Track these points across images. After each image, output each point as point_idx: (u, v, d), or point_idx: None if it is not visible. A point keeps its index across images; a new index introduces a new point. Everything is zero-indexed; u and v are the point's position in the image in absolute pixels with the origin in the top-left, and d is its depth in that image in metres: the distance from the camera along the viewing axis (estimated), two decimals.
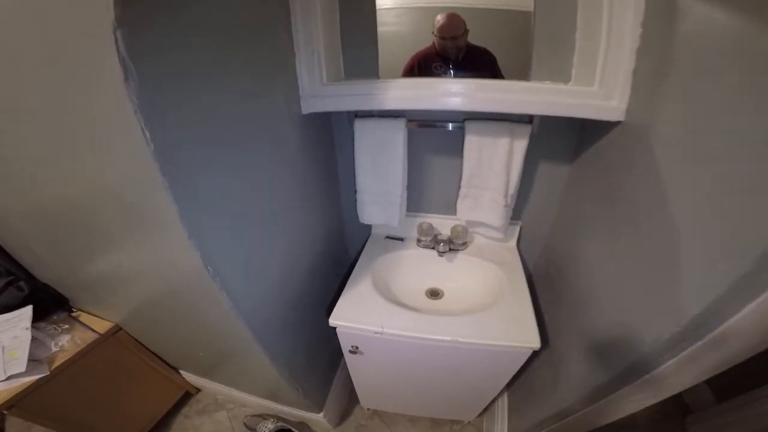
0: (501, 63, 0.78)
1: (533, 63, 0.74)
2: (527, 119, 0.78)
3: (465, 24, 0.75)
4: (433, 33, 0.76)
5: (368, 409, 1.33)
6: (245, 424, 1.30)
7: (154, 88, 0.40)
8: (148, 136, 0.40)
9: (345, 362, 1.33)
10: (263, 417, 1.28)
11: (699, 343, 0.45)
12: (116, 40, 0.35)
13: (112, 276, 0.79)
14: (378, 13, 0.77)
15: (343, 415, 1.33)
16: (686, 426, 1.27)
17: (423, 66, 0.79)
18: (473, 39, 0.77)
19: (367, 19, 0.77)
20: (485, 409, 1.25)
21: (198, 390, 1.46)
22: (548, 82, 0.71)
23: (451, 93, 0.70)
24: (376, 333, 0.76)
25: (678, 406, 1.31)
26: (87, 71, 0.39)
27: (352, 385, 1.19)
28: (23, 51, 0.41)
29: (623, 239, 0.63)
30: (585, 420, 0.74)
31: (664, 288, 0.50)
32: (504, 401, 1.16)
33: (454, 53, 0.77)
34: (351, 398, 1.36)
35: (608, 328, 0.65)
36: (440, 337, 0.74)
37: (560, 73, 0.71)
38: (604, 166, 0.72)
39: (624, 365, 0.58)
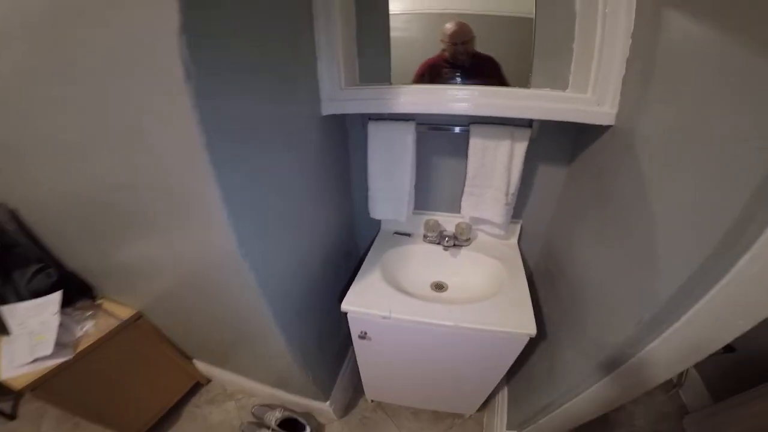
0: (505, 69, 0.83)
1: (533, 70, 0.80)
2: (527, 123, 0.84)
3: (472, 30, 0.80)
4: (441, 41, 0.81)
5: (372, 401, 1.38)
6: (253, 413, 1.35)
7: (208, 87, 0.47)
8: (201, 128, 0.47)
9: (352, 355, 1.39)
10: (270, 407, 1.33)
11: (676, 324, 0.49)
12: (180, 45, 0.42)
13: (144, 261, 0.86)
14: (392, 18, 0.82)
15: (348, 407, 1.38)
16: (684, 426, 1.30)
17: (433, 73, 0.84)
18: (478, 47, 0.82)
19: (381, 29, 0.83)
20: (486, 405, 1.29)
21: (208, 381, 1.52)
22: (547, 88, 0.77)
23: (458, 99, 0.77)
24: (384, 317, 0.82)
25: (676, 407, 1.34)
26: (149, 70, 0.46)
27: (358, 379, 1.24)
28: (85, 52, 0.48)
29: (612, 236, 0.68)
30: (578, 409, 0.77)
31: (646, 277, 0.55)
32: (504, 395, 1.21)
33: (463, 59, 0.82)
34: (356, 391, 1.41)
35: (598, 317, 0.70)
36: (443, 322, 0.80)
37: (558, 81, 0.77)
38: (596, 168, 0.78)
39: (611, 349, 0.62)
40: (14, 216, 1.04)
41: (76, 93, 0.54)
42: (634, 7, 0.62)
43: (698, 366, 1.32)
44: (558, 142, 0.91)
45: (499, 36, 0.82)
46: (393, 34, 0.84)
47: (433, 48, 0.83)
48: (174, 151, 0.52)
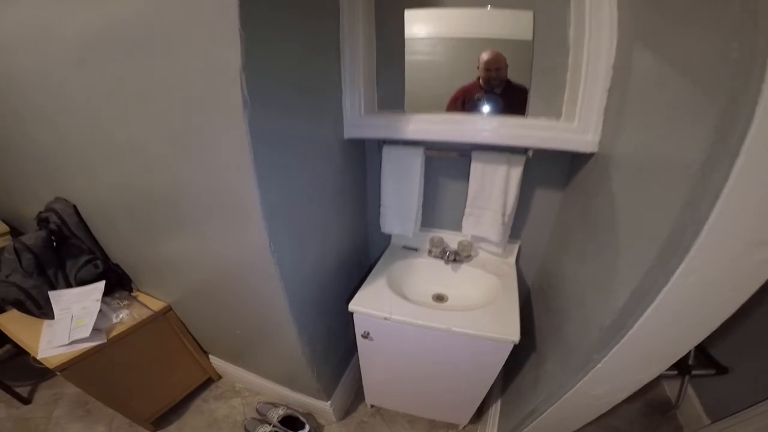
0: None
1: (530, 99, 0.88)
2: (523, 150, 0.93)
3: (505, 59, 0.87)
4: (477, 68, 0.88)
5: (371, 406, 1.43)
6: (257, 410, 1.43)
7: (258, 113, 0.60)
8: (251, 146, 0.61)
9: (355, 363, 1.46)
10: (274, 405, 1.40)
11: (631, 332, 0.55)
12: (241, 80, 0.55)
13: (183, 256, 0.99)
14: (412, 43, 0.90)
15: (348, 411, 1.44)
16: None
17: (467, 97, 0.91)
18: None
19: (398, 65, 0.94)
20: (480, 418, 1.33)
21: (220, 377, 1.61)
22: (543, 118, 0.86)
23: (461, 128, 0.89)
24: (384, 318, 0.92)
25: (672, 428, 1.35)
26: (215, 96, 0.60)
27: (359, 385, 1.31)
28: (164, 75, 0.63)
29: (591, 252, 0.76)
30: (558, 417, 0.82)
31: (610, 289, 0.62)
32: (497, 408, 1.25)
33: (495, 84, 0.89)
34: (356, 397, 1.47)
35: (575, 327, 0.77)
36: (436, 325, 0.89)
37: (553, 110, 0.85)
38: (583, 192, 0.87)
39: (581, 356, 0.69)
40: (75, 210, 1.21)
41: (152, 108, 0.69)
42: (615, 40, 0.70)
43: (695, 388, 1.33)
44: (554, 169, 0.99)
45: (523, 61, 0.86)
46: (418, 57, 0.91)
47: (459, 71, 0.90)
48: (227, 161, 0.66)
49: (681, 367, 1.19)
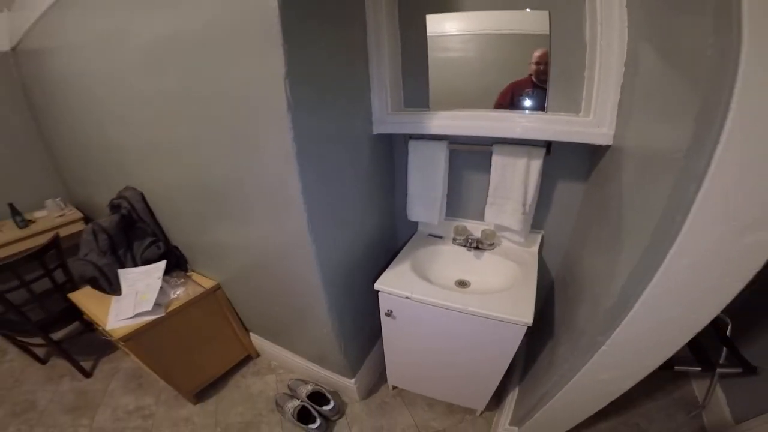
0: None
1: (548, 95, 0.91)
2: (543, 143, 0.98)
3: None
4: (530, 64, 0.91)
5: (393, 388, 1.52)
6: (288, 386, 1.56)
7: (300, 113, 0.72)
8: (294, 142, 0.72)
9: (381, 344, 1.54)
10: (304, 382, 1.53)
11: (631, 313, 0.57)
12: (285, 85, 0.67)
13: (233, 240, 1.15)
14: (444, 40, 0.94)
15: (371, 391, 1.53)
16: None
17: (517, 91, 0.95)
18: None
19: (422, 65, 1.01)
20: (498, 405, 1.37)
21: (258, 355, 1.76)
22: (562, 113, 0.89)
23: (481, 123, 0.95)
24: (406, 297, 1.00)
25: (696, 428, 1.32)
26: (263, 100, 0.72)
27: (383, 367, 1.40)
28: (222, 84, 0.76)
29: (604, 242, 0.79)
30: (568, 402, 0.84)
31: (614, 272, 0.66)
32: (515, 395, 1.28)
33: (544, 78, 0.91)
34: (379, 378, 1.56)
35: (586, 312, 0.80)
36: (453, 305, 0.95)
37: (574, 106, 0.88)
38: (600, 184, 0.90)
39: (587, 339, 0.72)
40: (143, 198, 1.40)
41: (211, 112, 0.83)
42: (626, 39, 0.73)
43: (725, 389, 1.29)
44: (575, 161, 1.01)
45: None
46: (450, 54, 0.96)
47: (490, 63, 0.95)
48: (274, 155, 0.78)
49: (706, 363, 1.17)
